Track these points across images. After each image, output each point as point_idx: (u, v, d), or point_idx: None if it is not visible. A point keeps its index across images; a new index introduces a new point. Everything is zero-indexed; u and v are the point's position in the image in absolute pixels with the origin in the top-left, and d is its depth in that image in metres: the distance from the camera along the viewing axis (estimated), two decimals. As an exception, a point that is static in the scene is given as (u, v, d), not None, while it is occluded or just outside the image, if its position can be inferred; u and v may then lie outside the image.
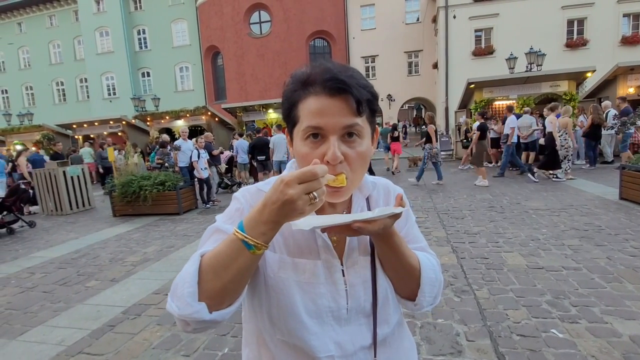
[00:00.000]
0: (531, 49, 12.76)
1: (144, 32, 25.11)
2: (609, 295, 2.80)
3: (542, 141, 8.72)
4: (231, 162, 10.34)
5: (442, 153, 12.88)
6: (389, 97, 22.32)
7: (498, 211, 5.61)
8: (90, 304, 3.37)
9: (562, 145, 7.54)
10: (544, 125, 8.96)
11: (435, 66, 20.40)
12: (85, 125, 18.51)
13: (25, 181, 9.03)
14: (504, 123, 9.57)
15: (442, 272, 0.79)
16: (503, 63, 14.04)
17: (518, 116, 9.25)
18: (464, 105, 13.58)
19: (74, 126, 18.70)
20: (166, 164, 9.02)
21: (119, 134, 17.63)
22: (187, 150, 8.03)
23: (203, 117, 17.05)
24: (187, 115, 17.18)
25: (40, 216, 8.27)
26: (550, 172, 7.73)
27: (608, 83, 11.90)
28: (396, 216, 0.62)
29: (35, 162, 9.53)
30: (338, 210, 0.74)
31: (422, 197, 7.03)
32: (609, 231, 4.30)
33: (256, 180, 9.39)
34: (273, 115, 17.14)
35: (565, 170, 7.63)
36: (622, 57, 14.58)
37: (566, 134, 7.57)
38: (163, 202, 7.18)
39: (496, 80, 12.23)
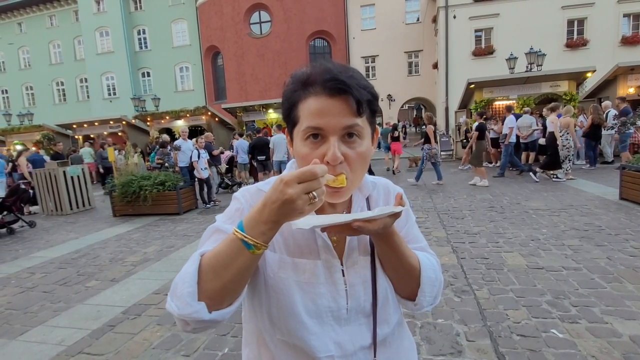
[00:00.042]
0: (531, 49, 12.77)
1: (144, 32, 25.11)
2: (609, 295, 2.80)
3: (541, 141, 8.71)
4: (232, 162, 10.34)
5: (442, 153, 12.91)
6: (389, 97, 22.32)
7: (498, 211, 5.61)
8: (90, 304, 3.37)
9: (564, 145, 7.54)
10: (543, 125, 8.96)
11: (435, 66, 20.40)
12: (85, 125, 18.52)
13: (26, 181, 9.03)
14: (504, 123, 9.57)
15: (442, 272, 0.79)
16: (503, 63, 14.04)
17: (517, 116, 9.25)
18: (464, 105, 13.59)
19: (74, 126, 18.71)
20: (166, 164, 9.02)
21: (119, 134, 17.64)
22: (187, 150, 8.03)
23: (203, 117, 17.05)
24: (187, 115, 17.18)
25: (41, 216, 8.27)
26: (551, 172, 7.73)
27: (608, 83, 11.90)
28: (396, 215, 0.62)
29: (35, 162, 9.53)
30: (338, 211, 0.74)
31: (422, 197, 7.02)
32: (609, 231, 4.30)
33: (256, 180, 9.39)
34: (273, 115, 17.14)
35: (566, 170, 7.63)
36: (622, 57, 14.58)
37: (567, 133, 7.57)
38: (163, 202, 7.18)
39: (496, 80, 12.23)
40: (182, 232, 5.85)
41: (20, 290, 3.87)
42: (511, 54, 13.29)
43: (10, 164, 9.73)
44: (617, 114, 8.95)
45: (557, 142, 7.48)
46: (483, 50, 17.65)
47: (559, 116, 7.74)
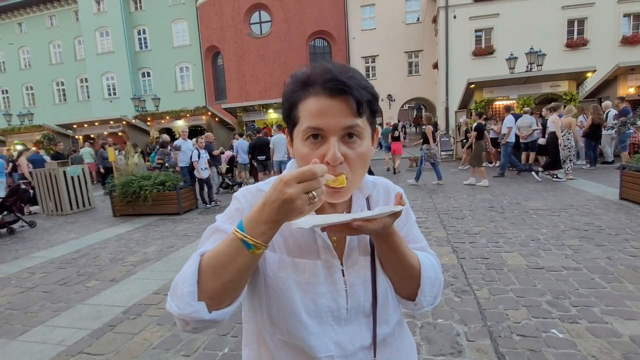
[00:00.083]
0: (531, 49, 12.76)
1: (144, 32, 25.12)
2: (609, 295, 2.80)
3: (541, 141, 8.70)
4: (232, 162, 10.34)
5: (443, 153, 12.91)
6: (389, 97, 22.32)
7: (498, 211, 5.61)
8: (90, 304, 3.37)
9: (565, 145, 7.54)
10: (543, 125, 8.96)
11: (436, 66, 20.40)
12: (85, 125, 18.52)
13: (26, 181, 9.04)
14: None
15: (442, 272, 0.79)
16: (503, 63, 14.04)
17: (517, 116, 9.25)
18: (464, 105, 13.59)
19: (74, 126, 18.71)
20: (166, 164, 9.02)
21: (119, 134, 17.64)
22: (187, 150, 8.04)
23: (203, 117, 17.05)
24: (188, 115, 17.18)
25: (41, 216, 8.27)
26: (552, 172, 7.73)
27: (608, 83, 11.90)
28: (396, 215, 0.62)
29: (35, 162, 9.53)
30: (338, 211, 0.75)
31: (422, 197, 7.02)
32: (609, 231, 4.30)
33: (256, 180, 9.39)
34: (273, 116, 17.15)
35: (566, 170, 7.63)
36: (622, 57, 14.57)
37: (569, 133, 7.57)
38: (163, 202, 7.18)
39: (496, 80, 12.23)
40: (182, 232, 5.85)
41: (20, 290, 3.87)
42: (511, 54, 13.29)
43: (11, 164, 9.73)
44: (617, 113, 8.95)
45: (559, 142, 7.48)
46: (483, 50, 17.65)
47: (560, 116, 7.74)
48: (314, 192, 0.52)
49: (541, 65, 12.68)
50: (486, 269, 3.49)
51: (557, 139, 7.50)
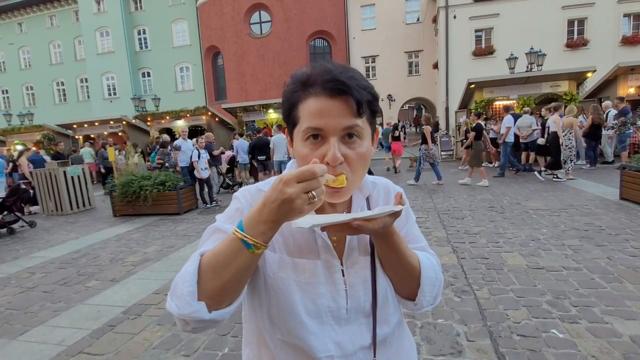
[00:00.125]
0: (531, 49, 12.76)
1: (144, 32, 25.12)
2: (609, 295, 2.80)
3: (540, 141, 8.69)
4: (233, 162, 10.35)
5: (443, 153, 12.92)
6: (389, 97, 22.32)
7: (498, 211, 5.61)
8: (90, 304, 3.37)
9: (567, 146, 7.54)
10: (542, 125, 8.96)
11: (436, 66, 20.40)
12: (85, 126, 18.52)
13: (26, 181, 9.04)
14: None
15: (442, 272, 0.79)
16: (503, 63, 14.04)
17: (516, 116, 9.25)
18: (464, 105, 13.59)
19: (75, 126, 18.71)
20: (166, 164, 9.02)
21: (120, 134, 17.64)
22: (188, 150, 8.04)
23: (203, 117, 17.05)
24: (188, 115, 17.18)
25: (41, 216, 8.28)
26: (553, 172, 7.73)
27: (608, 83, 11.90)
28: (396, 214, 0.62)
29: (35, 162, 9.53)
30: (338, 211, 0.74)
31: (422, 197, 7.02)
32: (609, 231, 4.29)
33: (256, 180, 9.39)
34: (273, 116, 17.14)
35: (567, 170, 7.63)
36: (622, 57, 14.57)
37: (570, 133, 7.56)
38: (163, 202, 7.18)
39: (496, 80, 12.24)
40: (182, 232, 5.85)
41: (20, 290, 3.87)
42: (511, 54, 13.29)
43: (11, 164, 9.74)
44: (617, 113, 8.95)
45: (560, 142, 7.48)
46: (483, 50, 17.65)
47: (561, 116, 7.74)
48: (313, 192, 0.52)
49: (541, 65, 12.68)
50: (486, 269, 3.49)
51: (558, 139, 7.50)
